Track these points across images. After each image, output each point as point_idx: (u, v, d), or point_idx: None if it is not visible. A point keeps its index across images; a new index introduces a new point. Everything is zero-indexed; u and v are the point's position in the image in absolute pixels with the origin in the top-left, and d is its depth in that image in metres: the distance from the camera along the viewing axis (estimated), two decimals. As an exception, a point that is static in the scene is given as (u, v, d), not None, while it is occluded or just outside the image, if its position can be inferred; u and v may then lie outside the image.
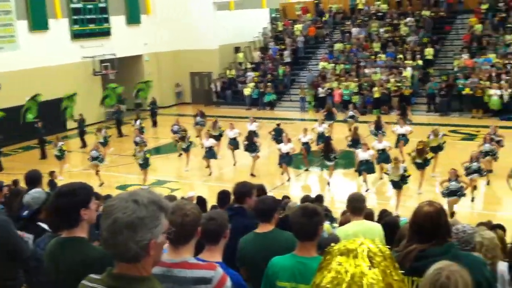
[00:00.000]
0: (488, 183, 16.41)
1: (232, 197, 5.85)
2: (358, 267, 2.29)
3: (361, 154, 16.62)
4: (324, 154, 17.88)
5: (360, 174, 16.96)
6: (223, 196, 6.45)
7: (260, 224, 4.54)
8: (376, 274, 2.27)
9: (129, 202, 2.10)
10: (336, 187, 17.46)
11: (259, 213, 4.58)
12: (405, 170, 14.86)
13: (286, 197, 11.51)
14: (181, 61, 33.81)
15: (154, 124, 28.12)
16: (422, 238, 3.01)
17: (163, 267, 2.92)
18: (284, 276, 3.53)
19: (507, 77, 25.77)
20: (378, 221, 9.08)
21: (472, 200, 15.19)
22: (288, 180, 18.29)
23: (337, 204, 14.68)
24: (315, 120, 22.05)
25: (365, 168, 16.63)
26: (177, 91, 34.68)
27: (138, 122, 23.44)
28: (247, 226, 4.76)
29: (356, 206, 5.67)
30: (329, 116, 22.98)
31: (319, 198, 11.80)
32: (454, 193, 13.78)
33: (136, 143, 19.74)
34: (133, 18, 32.13)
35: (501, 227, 8.93)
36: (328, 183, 17.64)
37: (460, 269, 2.36)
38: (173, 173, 20.44)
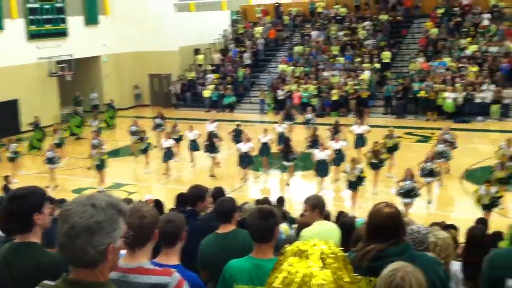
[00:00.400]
0: (441, 185, 16.79)
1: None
2: (309, 268, 2.32)
3: (318, 154, 16.78)
4: (283, 154, 18.00)
5: (317, 175, 17.15)
6: (182, 198, 6.43)
7: (221, 225, 4.61)
8: (327, 275, 2.31)
9: (87, 206, 2.07)
10: (295, 189, 17.59)
11: (219, 214, 4.65)
12: (361, 172, 15.11)
13: (246, 203, 11.52)
14: (141, 62, 33.45)
15: (110, 126, 27.69)
16: (381, 238, 3.03)
17: (119, 272, 2.88)
18: (241, 279, 3.53)
19: (462, 81, 26.47)
20: (335, 222, 9.22)
21: (429, 202, 15.51)
22: (245, 181, 18.28)
23: (295, 205, 14.78)
24: (275, 122, 22.17)
25: (320, 170, 16.79)
26: (135, 93, 34.27)
27: (95, 123, 23.10)
28: (200, 229, 4.79)
29: (320, 206, 5.71)
30: (288, 117, 23.15)
31: (280, 200, 11.85)
32: (409, 193, 14.08)
33: (94, 146, 19.44)
34: (91, 19, 31.61)
35: (454, 227, 9.19)
36: (288, 184, 17.75)
37: (415, 269, 2.40)
38: (130, 176, 20.18)
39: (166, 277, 2.98)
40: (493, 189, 13.25)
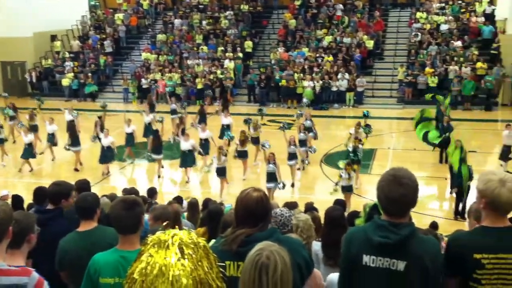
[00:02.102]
0: (303, 168, 17.58)
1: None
2: (167, 258, 2.33)
3: (183, 144, 16.78)
4: (153, 147, 17.71)
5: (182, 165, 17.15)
6: (40, 193, 6.03)
7: (82, 222, 4.35)
8: (184, 265, 2.32)
9: None
10: (165, 179, 17.50)
11: (81, 210, 4.38)
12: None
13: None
14: (-9, 49, 30.99)
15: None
16: (250, 223, 3.06)
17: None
18: (107, 272, 3.42)
19: (318, 70, 27.79)
20: (202, 210, 9.31)
21: (292, 185, 16.20)
22: (108, 174, 17.79)
23: (165, 196, 14.68)
24: (138, 111, 21.70)
25: (185, 161, 16.86)
26: (-14, 82, 31.79)
27: None
28: (68, 230, 4.50)
29: (164, 217, 5.50)
30: (152, 108, 22.69)
31: (151, 192, 11.63)
32: (272, 176, 14.61)
33: None
34: None
35: (315, 209, 9.67)
36: (159, 176, 17.54)
37: (280, 248, 2.45)
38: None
39: (23, 277, 2.84)
40: (352, 172, 14.16)
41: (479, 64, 26.61)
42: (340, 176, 14.17)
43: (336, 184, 14.50)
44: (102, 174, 17.59)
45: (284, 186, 14.86)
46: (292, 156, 16.23)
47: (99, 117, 19.09)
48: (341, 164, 14.84)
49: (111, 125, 18.95)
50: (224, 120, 19.51)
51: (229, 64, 29.25)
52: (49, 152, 19.13)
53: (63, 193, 5.15)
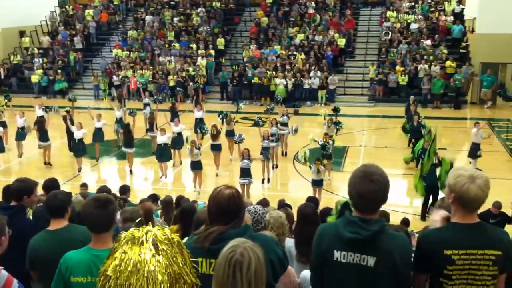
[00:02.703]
0: (276, 166, 17.62)
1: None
2: (142, 255, 2.32)
3: (159, 138, 16.74)
4: (124, 141, 17.58)
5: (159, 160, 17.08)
6: (8, 191, 5.93)
7: (53, 221, 4.29)
8: (159, 261, 2.31)
9: None
10: (137, 176, 17.38)
11: (52, 208, 4.32)
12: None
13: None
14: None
15: None
16: (223, 220, 3.06)
17: None
18: (78, 271, 3.39)
19: (290, 68, 27.88)
20: (176, 208, 9.26)
21: (266, 181, 16.26)
22: (79, 170, 17.63)
23: (138, 193, 14.60)
24: (110, 109, 21.48)
25: (161, 155, 16.80)
26: (-49, 78, 31.05)
27: None
28: (32, 226, 4.43)
29: (134, 219, 5.45)
30: (122, 102, 22.42)
31: (124, 190, 11.55)
32: (247, 172, 14.65)
33: None
34: None
35: (289, 206, 9.72)
36: (131, 171, 17.39)
37: (254, 245, 2.46)
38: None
39: None
40: (322, 167, 14.28)
41: (448, 63, 27.05)
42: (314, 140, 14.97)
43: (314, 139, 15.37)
44: (79, 171, 17.48)
45: (296, 130, 16.74)
46: (266, 151, 16.33)
47: (67, 112, 18.84)
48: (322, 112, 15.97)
49: (83, 122, 18.65)
50: (197, 113, 19.50)
51: (201, 61, 29.14)
52: (16, 149, 18.81)
53: (26, 190, 5.11)
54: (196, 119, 19.49)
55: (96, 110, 24.37)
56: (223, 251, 2.44)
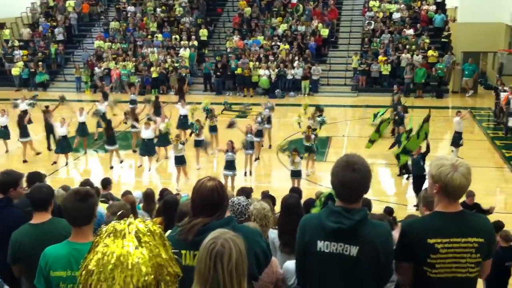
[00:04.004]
0: (258, 158, 17.61)
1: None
2: (125, 247, 2.30)
3: (144, 132, 16.66)
4: (107, 137, 17.43)
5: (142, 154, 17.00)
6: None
7: (36, 214, 4.26)
8: (143, 253, 2.30)
9: None
10: (121, 170, 17.34)
11: (36, 202, 4.29)
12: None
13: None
14: None
15: None
16: (206, 212, 3.07)
17: None
18: (58, 266, 3.37)
19: (274, 58, 27.84)
20: (159, 200, 9.24)
21: (249, 173, 16.25)
22: (66, 164, 17.51)
23: (121, 186, 14.52)
24: (93, 101, 21.29)
25: (145, 150, 16.78)
26: None
27: None
28: (20, 218, 4.40)
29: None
30: (105, 97, 22.26)
31: (105, 183, 11.47)
32: (231, 164, 14.70)
33: None
34: None
35: (272, 197, 9.75)
36: (111, 167, 17.27)
37: (235, 236, 2.45)
38: None
39: None
40: (298, 158, 14.37)
41: (430, 52, 27.21)
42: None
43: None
44: (66, 164, 17.39)
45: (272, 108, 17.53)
46: (249, 145, 16.24)
47: (46, 107, 18.64)
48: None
49: (66, 115, 18.47)
50: (182, 110, 19.34)
51: (184, 52, 28.98)
52: (2, 145, 18.64)
53: (11, 182, 5.09)
54: (180, 115, 19.32)
55: (79, 102, 24.24)
56: (203, 243, 2.44)
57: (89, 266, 2.33)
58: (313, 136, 15.86)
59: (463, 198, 10.78)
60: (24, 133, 17.75)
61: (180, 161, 15.50)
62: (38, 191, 4.36)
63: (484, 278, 3.32)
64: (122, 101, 22.82)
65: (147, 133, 16.61)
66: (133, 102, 21.88)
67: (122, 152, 18.30)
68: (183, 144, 15.47)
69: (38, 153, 18.11)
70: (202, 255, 2.40)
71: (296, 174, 14.54)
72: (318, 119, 17.24)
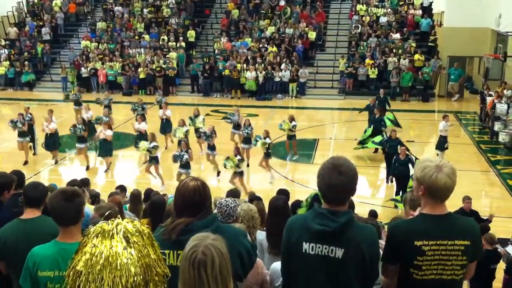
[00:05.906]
0: (248, 165, 17.49)
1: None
2: (113, 248, 2.30)
3: (107, 132, 16.80)
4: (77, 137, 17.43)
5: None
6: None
7: (27, 210, 4.25)
8: (132, 254, 2.30)
9: None
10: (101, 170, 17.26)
11: (29, 199, 4.28)
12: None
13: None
14: None
15: None
16: (189, 212, 3.07)
17: None
18: (45, 266, 3.35)
19: (261, 60, 27.88)
20: (145, 201, 9.22)
21: (218, 174, 16.23)
22: (56, 162, 17.51)
23: (98, 188, 14.44)
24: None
25: (101, 149, 16.95)
26: None
27: None
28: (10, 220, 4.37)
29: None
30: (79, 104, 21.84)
31: (85, 182, 11.43)
32: (186, 164, 14.87)
33: None
34: None
35: (259, 199, 9.73)
36: (87, 167, 17.20)
37: (215, 240, 2.45)
38: None
39: None
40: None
41: (416, 56, 27.40)
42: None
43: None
44: (56, 162, 17.43)
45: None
46: (246, 140, 16.34)
47: (27, 107, 18.58)
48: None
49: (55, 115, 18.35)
50: (167, 112, 19.17)
51: (171, 53, 28.91)
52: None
53: (6, 184, 5.09)
54: (163, 119, 19.00)
55: (65, 103, 24.10)
56: (184, 253, 2.42)
57: (77, 267, 2.32)
58: (268, 140, 15.88)
59: (460, 204, 10.90)
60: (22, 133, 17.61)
61: (155, 160, 15.68)
62: (34, 189, 4.36)
63: (467, 279, 3.35)
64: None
65: (108, 133, 16.70)
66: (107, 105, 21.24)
67: (121, 153, 18.25)
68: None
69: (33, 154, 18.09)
70: (184, 265, 2.39)
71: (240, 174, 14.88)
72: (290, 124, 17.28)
